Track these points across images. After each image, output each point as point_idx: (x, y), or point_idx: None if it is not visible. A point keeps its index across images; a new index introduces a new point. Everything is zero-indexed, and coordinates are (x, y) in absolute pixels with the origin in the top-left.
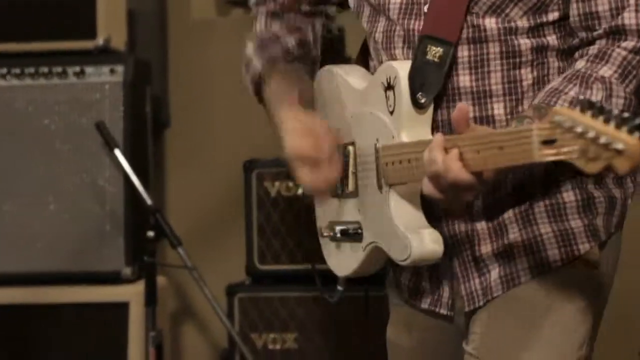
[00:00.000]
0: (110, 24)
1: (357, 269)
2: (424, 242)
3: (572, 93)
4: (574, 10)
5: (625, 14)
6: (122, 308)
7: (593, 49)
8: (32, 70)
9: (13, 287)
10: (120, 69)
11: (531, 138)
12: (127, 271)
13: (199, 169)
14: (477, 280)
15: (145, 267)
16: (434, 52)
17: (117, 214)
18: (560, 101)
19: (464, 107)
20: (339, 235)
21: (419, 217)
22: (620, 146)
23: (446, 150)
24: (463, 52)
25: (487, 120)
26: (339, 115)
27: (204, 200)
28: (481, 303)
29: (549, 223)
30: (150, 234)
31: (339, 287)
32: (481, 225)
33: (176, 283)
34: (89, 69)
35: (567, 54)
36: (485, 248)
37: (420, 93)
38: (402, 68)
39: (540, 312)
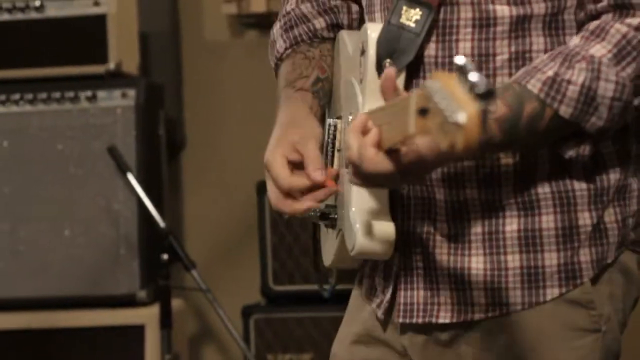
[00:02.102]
0: (122, 47)
1: (334, 258)
2: (371, 235)
3: (550, 73)
4: None
5: None
6: (137, 331)
7: (593, 24)
8: (44, 95)
9: (29, 312)
10: (132, 92)
11: (408, 108)
12: (142, 294)
13: (215, 190)
14: (421, 293)
15: (160, 289)
16: (410, 14)
17: (132, 238)
18: (534, 80)
19: (389, 72)
20: (318, 217)
21: (379, 205)
22: (459, 118)
23: (364, 130)
24: (437, 16)
25: None
26: (338, 85)
27: (219, 221)
28: (419, 320)
29: (519, 253)
30: (164, 256)
31: (330, 281)
32: (441, 231)
33: (195, 306)
34: (101, 94)
35: (557, 29)
36: (441, 262)
37: (388, 60)
38: (373, 30)
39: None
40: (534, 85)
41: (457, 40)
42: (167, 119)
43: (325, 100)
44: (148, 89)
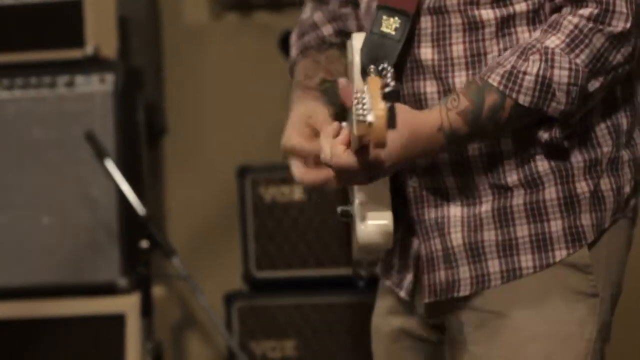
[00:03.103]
0: (100, 31)
1: (355, 251)
2: (370, 228)
3: (508, 66)
4: None
5: None
6: (118, 319)
7: (551, 19)
8: (21, 81)
9: (7, 301)
10: (110, 77)
11: (354, 112)
12: (122, 282)
13: (196, 175)
14: (442, 273)
15: (140, 277)
16: (390, 23)
17: (111, 225)
18: (494, 75)
19: (342, 82)
20: (340, 215)
21: (382, 197)
22: (370, 118)
23: (336, 136)
24: (426, 24)
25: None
26: None
27: (201, 207)
28: (443, 297)
29: (527, 224)
30: (144, 244)
31: (362, 272)
32: (454, 212)
33: (177, 293)
34: (78, 79)
35: (539, 22)
36: (456, 240)
37: (372, 66)
38: (357, 39)
39: (526, 323)
40: (494, 79)
41: (450, 44)
42: (147, 104)
43: (335, 99)
44: (127, 73)
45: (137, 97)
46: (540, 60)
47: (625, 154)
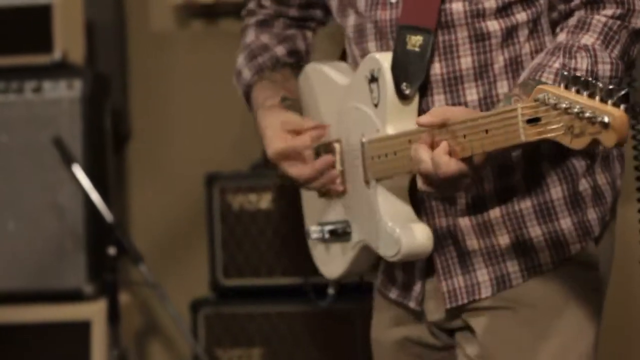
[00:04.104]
0: (68, 37)
1: (346, 269)
2: (414, 236)
3: (556, 65)
4: None
5: None
6: (84, 326)
7: (572, 20)
8: None
9: None
10: (78, 83)
11: (516, 118)
12: (88, 288)
13: (161, 182)
14: (460, 278)
15: (107, 284)
16: (414, 41)
17: (78, 231)
18: (546, 74)
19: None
20: (327, 236)
21: (407, 211)
22: (606, 119)
23: (433, 145)
24: (436, 39)
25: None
26: (324, 113)
27: (166, 214)
28: (465, 301)
29: (538, 225)
30: (111, 250)
31: (330, 291)
32: (464, 222)
33: (141, 299)
34: (46, 84)
35: (538, 31)
36: (472, 245)
37: (404, 84)
38: (385, 59)
39: (544, 319)
40: (548, 78)
41: (458, 57)
42: (112, 110)
43: (298, 114)
44: (94, 80)
45: (105, 104)
46: (587, 56)
47: (614, 150)
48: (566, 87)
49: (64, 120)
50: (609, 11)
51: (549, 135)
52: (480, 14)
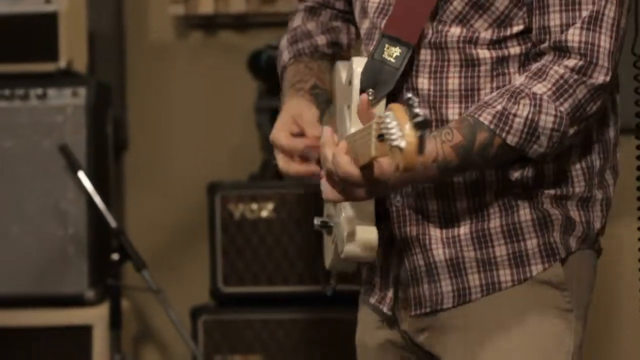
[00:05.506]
0: (73, 46)
1: (330, 262)
2: (357, 242)
3: (499, 107)
4: (533, 23)
5: (570, 31)
6: (85, 331)
7: (535, 66)
8: None
9: None
10: (82, 91)
11: (371, 133)
12: (89, 294)
13: (158, 191)
14: (425, 286)
15: (110, 289)
16: (392, 51)
17: (80, 237)
18: (485, 114)
19: (363, 98)
20: (317, 226)
21: (367, 213)
22: (402, 144)
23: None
24: (426, 56)
25: (441, 123)
26: (336, 111)
27: (164, 222)
28: (428, 309)
29: (504, 244)
30: (115, 256)
31: (331, 282)
32: (435, 232)
33: (137, 306)
34: (51, 92)
35: (528, 64)
36: (438, 256)
37: (370, 90)
38: (359, 64)
39: (500, 336)
40: (485, 118)
41: (447, 77)
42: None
43: (324, 106)
44: (98, 88)
45: (107, 112)
46: (530, 104)
47: (598, 194)
48: (408, 108)
49: (68, 128)
50: (571, 62)
51: (384, 154)
52: (473, 42)
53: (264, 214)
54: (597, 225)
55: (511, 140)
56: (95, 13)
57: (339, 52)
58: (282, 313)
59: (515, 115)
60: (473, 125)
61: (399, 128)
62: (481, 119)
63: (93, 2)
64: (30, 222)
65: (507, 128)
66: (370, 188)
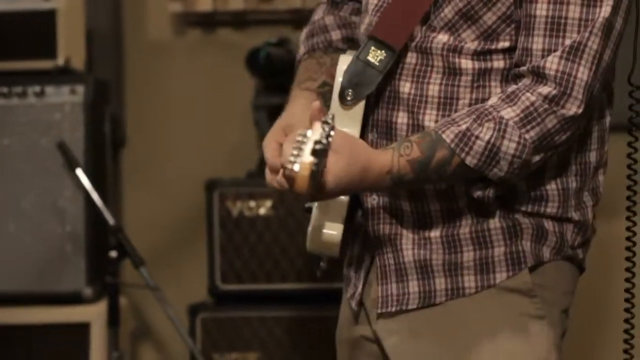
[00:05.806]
0: (70, 43)
1: (309, 245)
2: (319, 237)
3: (463, 127)
4: (518, 43)
5: (550, 58)
6: (83, 329)
7: (511, 89)
8: None
9: None
10: (80, 89)
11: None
12: (87, 291)
13: (156, 188)
14: (394, 286)
15: (108, 287)
16: (377, 54)
17: (78, 234)
18: (448, 132)
19: (315, 105)
20: (304, 210)
21: (338, 210)
22: (296, 167)
23: None
24: (411, 60)
25: (418, 129)
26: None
27: (162, 220)
28: (393, 309)
29: (472, 250)
30: (113, 253)
31: (321, 264)
32: (407, 233)
33: (135, 303)
34: (49, 89)
35: (512, 80)
36: (408, 257)
37: (350, 90)
38: (344, 62)
39: (461, 340)
40: (448, 136)
41: (428, 83)
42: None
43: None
44: (96, 85)
45: (105, 110)
46: (494, 129)
47: (575, 215)
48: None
49: (66, 125)
50: (545, 89)
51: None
52: (458, 50)
53: (262, 211)
54: (572, 241)
55: (470, 161)
56: (93, 10)
57: (354, 48)
58: (280, 311)
59: (477, 137)
60: (435, 141)
61: (302, 151)
62: (444, 136)
63: (91, 0)
64: (28, 219)
65: (466, 149)
66: (313, 193)
